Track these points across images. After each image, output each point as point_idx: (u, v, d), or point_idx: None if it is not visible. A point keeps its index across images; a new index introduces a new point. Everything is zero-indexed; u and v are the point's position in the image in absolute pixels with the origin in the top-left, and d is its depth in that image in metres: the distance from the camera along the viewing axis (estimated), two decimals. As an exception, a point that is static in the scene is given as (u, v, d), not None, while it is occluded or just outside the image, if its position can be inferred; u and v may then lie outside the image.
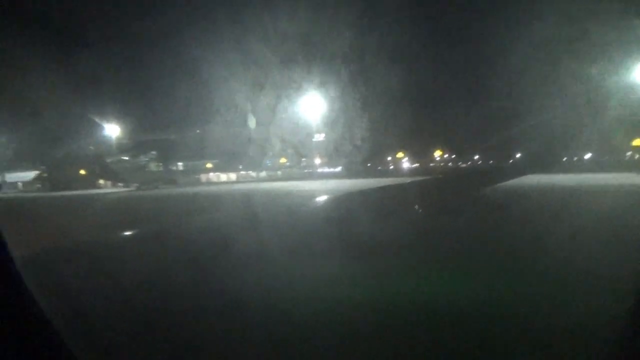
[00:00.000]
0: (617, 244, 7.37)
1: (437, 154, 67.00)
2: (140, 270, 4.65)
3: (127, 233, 6.19)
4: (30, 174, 57.14)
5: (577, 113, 28.14)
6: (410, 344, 3.69)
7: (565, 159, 46.32)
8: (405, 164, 63.54)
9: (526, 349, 3.59)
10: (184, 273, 4.73)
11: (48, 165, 55.65)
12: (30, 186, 56.19)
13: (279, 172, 63.84)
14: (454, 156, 67.09)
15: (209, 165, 65.85)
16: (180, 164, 66.49)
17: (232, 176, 64.39)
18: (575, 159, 49.76)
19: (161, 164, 63.71)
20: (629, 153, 53.45)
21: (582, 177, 30.55)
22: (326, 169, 56.89)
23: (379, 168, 58.63)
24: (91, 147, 57.25)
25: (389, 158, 61.72)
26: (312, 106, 37.96)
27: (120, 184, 54.66)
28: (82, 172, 57.04)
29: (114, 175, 55.94)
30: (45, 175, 56.50)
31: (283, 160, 61.54)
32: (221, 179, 64.39)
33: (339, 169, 53.62)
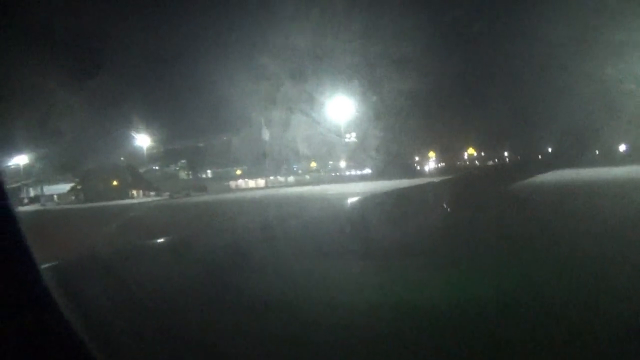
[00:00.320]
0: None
1: (469, 152, 66.20)
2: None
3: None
4: (67, 187, 57.99)
5: (608, 103, 27.55)
6: (436, 347, 3.69)
7: (597, 152, 45.40)
8: (432, 163, 62.88)
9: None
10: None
11: (82, 177, 56.36)
12: (65, 198, 57.04)
13: (307, 177, 63.65)
14: (482, 154, 66.23)
15: (238, 172, 65.96)
16: (209, 171, 66.81)
17: (261, 182, 64.39)
18: (606, 151, 48.41)
19: (190, 172, 64.12)
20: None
21: (613, 171, 29.42)
22: (354, 172, 56.53)
23: (410, 168, 58.07)
24: (122, 158, 57.90)
25: (417, 158, 61.18)
26: (339, 109, 37.91)
27: (152, 193, 55.12)
28: (115, 182, 57.64)
29: (146, 185, 56.44)
30: (79, 187, 57.24)
31: (313, 164, 61.37)
32: (249, 185, 64.44)
33: (366, 170, 53.27)
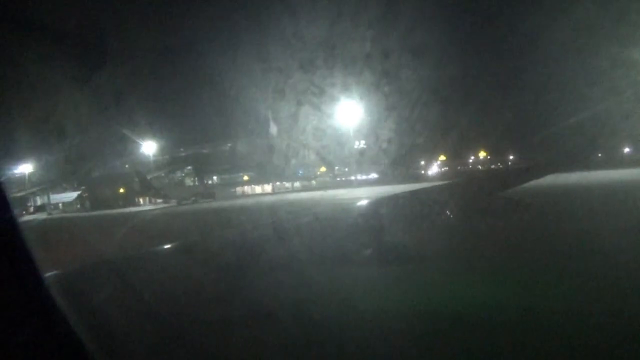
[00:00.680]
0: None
1: (481, 155, 66.24)
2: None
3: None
4: (74, 195, 58.27)
5: (614, 106, 27.53)
6: (451, 352, 3.66)
7: (599, 154, 45.24)
8: (435, 168, 62.95)
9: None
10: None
11: (88, 185, 56.63)
12: (71, 206, 57.28)
13: (314, 182, 63.78)
14: (488, 157, 66.32)
15: (246, 177, 66.15)
16: (214, 177, 67.00)
17: (267, 188, 64.56)
18: (610, 153, 48.30)
19: (196, 178, 64.32)
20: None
21: (613, 174, 29.28)
22: (360, 176, 56.55)
23: (416, 173, 58.02)
24: (126, 166, 58.16)
25: (422, 162, 61.24)
26: (344, 115, 38.02)
27: (159, 200, 55.24)
28: (121, 190, 57.85)
29: (154, 192, 56.56)
30: (85, 195, 57.49)
31: (323, 169, 61.43)
32: (256, 191, 64.61)
33: (372, 175, 53.31)
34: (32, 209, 55.72)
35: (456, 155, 63.78)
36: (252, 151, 54.44)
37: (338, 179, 60.02)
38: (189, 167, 64.58)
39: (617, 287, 4.84)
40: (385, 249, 5.98)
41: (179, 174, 65.60)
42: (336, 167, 60.07)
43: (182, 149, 61.85)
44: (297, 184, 64.98)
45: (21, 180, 54.34)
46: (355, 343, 3.77)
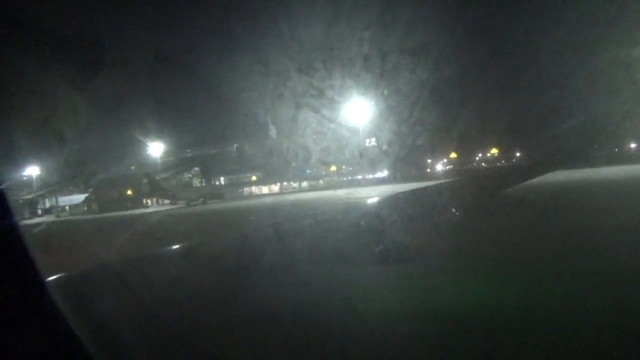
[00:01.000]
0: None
1: (492, 152, 65.93)
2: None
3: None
4: (82, 197, 58.44)
5: (620, 102, 27.38)
6: (455, 352, 3.64)
7: (605, 151, 44.96)
8: (440, 166, 62.83)
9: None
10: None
11: (95, 187, 56.73)
12: (77, 209, 57.40)
13: (321, 182, 63.68)
14: (496, 155, 66.07)
15: (254, 178, 66.13)
16: (222, 178, 67.03)
17: (274, 188, 64.52)
18: (616, 149, 48.03)
19: (203, 179, 64.35)
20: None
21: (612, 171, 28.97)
22: (368, 176, 56.39)
23: (423, 171, 57.73)
24: (132, 167, 58.26)
25: (429, 161, 61.12)
26: (352, 114, 37.95)
27: (166, 202, 55.26)
28: (129, 192, 57.92)
29: (163, 193, 56.55)
30: (92, 197, 57.59)
31: (333, 168, 61.20)
32: (263, 191, 64.56)
33: (378, 174, 53.13)
34: (40, 212, 56.04)
35: (466, 153, 63.66)
36: (258, 151, 54.56)
37: (344, 178, 59.84)
38: (196, 168, 64.66)
39: (622, 286, 4.81)
40: (386, 249, 5.99)
41: (186, 175, 65.68)
42: (343, 167, 59.97)
43: (188, 150, 61.98)
44: (304, 184, 64.88)
45: (29, 183, 54.70)
46: (356, 344, 3.77)
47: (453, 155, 63.65)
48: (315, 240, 6.10)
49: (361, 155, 42.48)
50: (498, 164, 63.95)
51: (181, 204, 51.20)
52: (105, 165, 52.84)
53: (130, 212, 47.35)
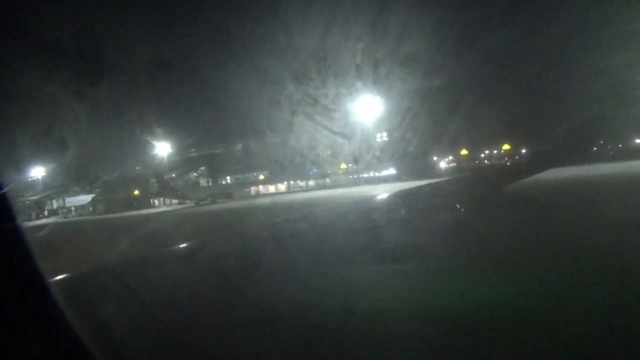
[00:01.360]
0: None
1: (504, 148, 65.50)
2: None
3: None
4: (88, 197, 58.48)
5: (622, 97, 27.20)
6: (452, 351, 3.64)
7: (608, 146, 44.66)
8: (443, 163, 62.53)
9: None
10: None
11: (101, 188, 56.73)
12: (83, 210, 57.46)
13: (328, 180, 63.46)
14: (495, 152, 65.77)
15: (261, 177, 65.96)
16: (228, 177, 66.95)
17: (281, 187, 64.36)
18: (620, 145, 47.58)
19: (210, 179, 64.32)
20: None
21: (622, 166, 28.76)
22: (374, 174, 56.08)
23: (430, 168, 57.23)
24: (137, 168, 58.22)
25: (435, 158, 60.85)
26: (359, 112, 37.82)
27: (174, 201, 55.23)
28: (136, 192, 57.94)
29: (171, 193, 56.50)
30: (99, 198, 57.63)
31: (343, 166, 60.84)
32: (270, 190, 64.42)
33: (384, 172, 52.90)
34: (46, 213, 56.21)
35: (475, 150, 63.41)
36: (264, 150, 54.41)
37: (350, 176, 59.63)
38: (202, 168, 64.64)
39: (623, 286, 4.80)
40: (385, 248, 6.01)
41: (192, 174, 65.67)
42: (349, 165, 59.70)
43: (193, 150, 61.83)
44: (311, 183, 64.70)
45: (35, 184, 54.89)
46: (355, 345, 3.78)
47: (464, 152, 63.47)
48: (315, 240, 6.10)
49: (369, 152, 42.37)
50: (502, 161, 63.69)
51: (189, 203, 51.16)
52: (111, 165, 52.85)
53: (137, 212, 47.27)
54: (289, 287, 4.89)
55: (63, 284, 3.41)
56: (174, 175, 61.09)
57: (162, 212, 43.85)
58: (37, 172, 53.99)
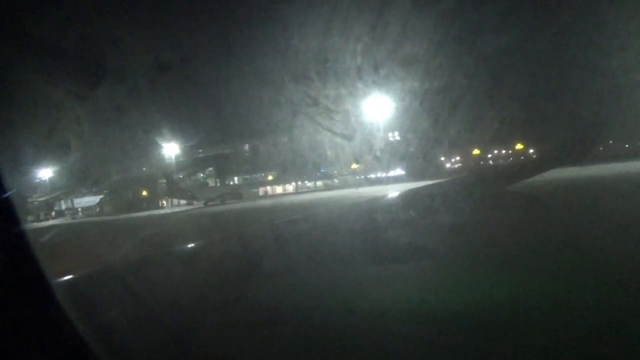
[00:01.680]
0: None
1: (518, 147, 65.25)
2: None
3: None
4: (97, 199, 58.62)
5: (626, 95, 26.98)
6: (452, 351, 3.65)
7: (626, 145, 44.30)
8: (451, 163, 62.40)
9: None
10: None
11: (109, 189, 56.80)
12: (90, 211, 57.52)
13: (336, 181, 63.36)
14: (503, 152, 65.66)
15: (270, 177, 65.92)
16: (235, 178, 66.92)
17: (289, 187, 64.35)
18: (627, 145, 47.03)
19: (218, 179, 64.29)
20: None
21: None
22: (382, 174, 55.84)
23: (440, 168, 56.82)
24: (143, 169, 58.30)
25: (442, 158, 60.69)
26: (369, 112, 37.70)
27: (182, 202, 55.20)
28: (144, 193, 57.99)
29: (181, 194, 56.42)
30: (107, 199, 57.72)
31: (354, 166, 60.58)
32: (277, 191, 64.39)
33: (392, 173, 52.70)
34: (53, 214, 56.41)
35: (486, 150, 63.27)
36: (272, 151, 54.45)
37: (357, 177, 59.45)
38: (210, 169, 64.64)
39: (628, 286, 4.79)
40: (385, 248, 6.02)
41: (200, 175, 65.68)
42: (359, 165, 59.52)
43: (200, 151, 61.85)
44: (319, 183, 64.65)
45: (43, 185, 55.14)
46: (356, 345, 3.81)
47: (476, 152, 63.35)
48: (315, 241, 6.12)
49: (377, 153, 42.23)
50: (501, 161, 63.55)
51: (197, 204, 51.09)
52: (119, 166, 52.94)
53: (146, 213, 47.20)
54: (290, 287, 4.92)
55: (66, 286, 3.46)
56: (181, 176, 61.11)
57: (170, 214, 43.83)
58: (46, 173, 54.21)
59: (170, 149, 55.44)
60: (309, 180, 64.61)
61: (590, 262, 5.84)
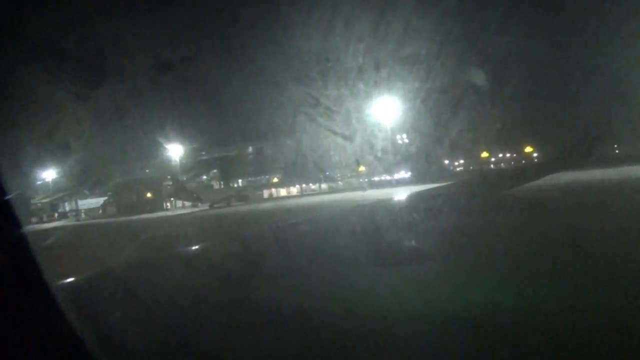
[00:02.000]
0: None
1: (527, 150, 65.30)
2: None
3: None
4: (101, 200, 58.79)
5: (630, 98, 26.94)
6: (453, 355, 3.65)
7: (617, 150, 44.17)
8: (457, 166, 62.44)
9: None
10: None
11: (113, 191, 56.92)
12: (94, 213, 57.63)
13: (340, 183, 63.38)
14: (507, 155, 65.76)
15: (275, 180, 65.97)
16: (240, 180, 66.97)
17: (293, 190, 64.35)
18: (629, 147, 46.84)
19: (222, 181, 64.35)
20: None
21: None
22: (387, 177, 55.79)
23: (445, 171, 56.87)
24: (147, 171, 58.40)
25: (446, 161, 60.71)
26: (377, 114, 37.71)
27: (187, 204, 55.28)
28: (149, 195, 58.07)
29: (187, 196, 56.48)
30: (111, 200, 57.81)
31: (362, 168, 60.57)
32: (282, 193, 64.40)
33: (396, 176, 52.66)
34: (56, 216, 56.57)
35: (494, 153, 63.43)
36: (277, 153, 54.52)
37: (360, 180, 59.42)
38: (214, 171, 64.68)
39: (624, 287, 4.78)
40: (388, 250, 6.01)
41: (204, 177, 65.75)
42: (365, 168, 59.48)
43: (203, 153, 61.97)
44: (324, 186, 64.67)
45: (46, 187, 55.34)
46: (357, 347, 3.80)
47: (484, 154, 63.42)
48: (317, 243, 6.12)
49: (384, 155, 42.24)
50: (502, 164, 63.58)
51: (202, 206, 51.11)
52: (121, 168, 53.09)
53: (151, 215, 47.32)
54: (291, 289, 4.93)
55: (67, 288, 3.46)
56: (185, 178, 61.23)
57: (174, 216, 43.87)
58: (49, 174, 54.41)
59: (175, 151, 55.55)
60: (314, 183, 64.60)
61: (593, 265, 5.81)
